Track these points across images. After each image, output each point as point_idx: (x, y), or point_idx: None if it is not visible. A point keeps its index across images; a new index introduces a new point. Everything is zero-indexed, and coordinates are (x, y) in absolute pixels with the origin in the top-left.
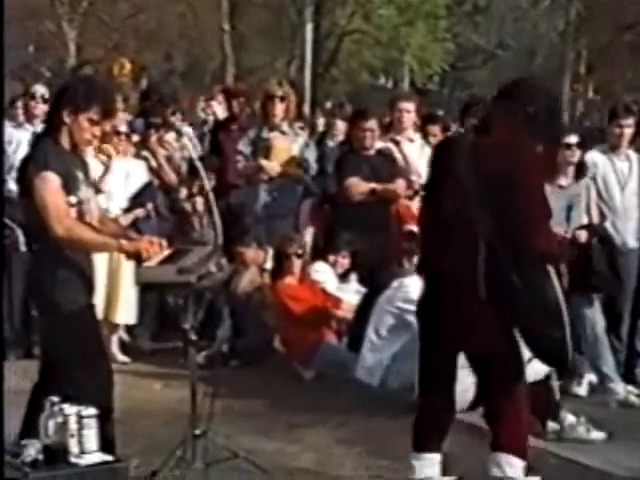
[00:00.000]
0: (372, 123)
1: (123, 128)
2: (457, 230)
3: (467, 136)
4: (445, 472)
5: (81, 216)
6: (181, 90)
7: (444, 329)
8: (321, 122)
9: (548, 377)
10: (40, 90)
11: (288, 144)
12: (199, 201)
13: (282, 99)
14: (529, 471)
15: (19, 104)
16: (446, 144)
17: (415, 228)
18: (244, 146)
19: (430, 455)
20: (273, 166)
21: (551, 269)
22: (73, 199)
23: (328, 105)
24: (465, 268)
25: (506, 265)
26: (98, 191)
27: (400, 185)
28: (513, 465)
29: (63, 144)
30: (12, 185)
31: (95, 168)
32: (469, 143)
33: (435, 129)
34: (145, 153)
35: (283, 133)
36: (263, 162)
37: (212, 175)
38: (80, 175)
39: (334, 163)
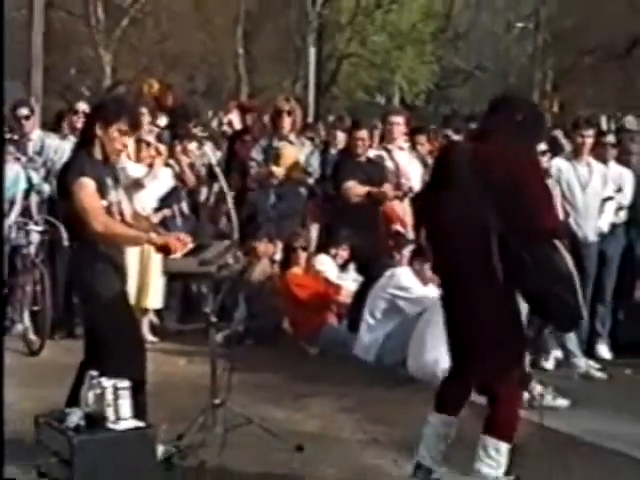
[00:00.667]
0: (363, 133)
1: (149, 138)
2: (467, 226)
3: (467, 144)
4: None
5: (112, 216)
6: (201, 106)
7: (464, 316)
8: (322, 134)
9: None
10: (82, 106)
11: (295, 152)
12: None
13: (289, 113)
14: None
15: (65, 119)
16: (447, 153)
17: (400, 228)
18: (257, 154)
19: (447, 417)
20: (281, 171)
21: (558, 243)
22: (104, 203)
23: (331, 118)
24: (480, 259)
25: (517, 249)
26: (140, 187)
27: (387, 188)
28: (500, 450)
29: (96, 155)
30: None
31: (135, 170)
32: (470, 150)
33: (422, 139)
34: (171, 161)
35: (290, 142)
36: (273, 168)
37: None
38: (109, 182)
39: (332, 168)
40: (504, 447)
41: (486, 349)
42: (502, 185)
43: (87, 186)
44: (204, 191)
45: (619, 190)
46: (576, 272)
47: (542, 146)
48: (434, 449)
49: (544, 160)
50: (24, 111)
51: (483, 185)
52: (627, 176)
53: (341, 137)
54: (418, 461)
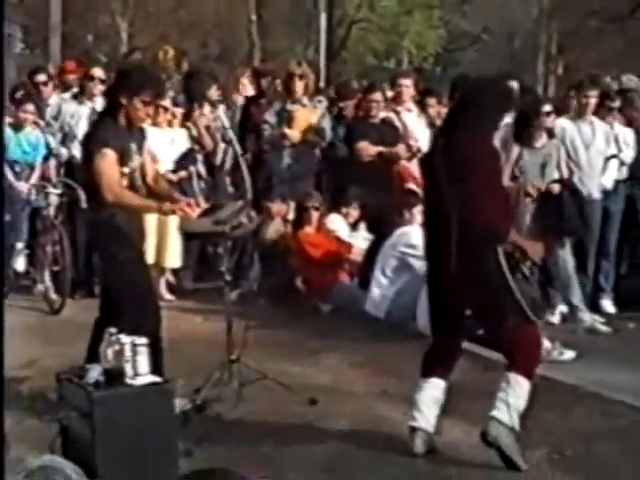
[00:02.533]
0: (377, 95)
1: (167, 103)
2: (437, 218)
3: (440, 136)
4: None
5: (132, 182)
6: (216, 71)
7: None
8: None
9: None
10: (98, 73)
11: (307, 115)
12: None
13: (301, 77)
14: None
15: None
16: (432, 147)
17: (413, 186)
18: (270, 117)
19: (436, 380)
20: (294, 134)
21: (500, 250)
22: (126, 170)
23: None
24: (445, 248)
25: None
26: (155, 160)
27: (401, 149)
28: (522, 385)
29: (120, 122)
30: (75, 152)
31: (152, 133)
32: (441, 142)
33: (432, 101)
34: (188, 124)
35: (303, 106)
36: (286, 130)
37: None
38: (134, 147)
39: (345, 129)
40: (525, 384)
41: (494, 303)
42: (459, 180)
43: (107, 156)
44: (220, 153)
45: (621, 148)
46: (510, 277)
47: (547, 107)
48: (428, 412)
49: (549, 121)
50: (42, 77)
51: (447, 180)
52: (629, 135)
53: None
54: (412, 425)
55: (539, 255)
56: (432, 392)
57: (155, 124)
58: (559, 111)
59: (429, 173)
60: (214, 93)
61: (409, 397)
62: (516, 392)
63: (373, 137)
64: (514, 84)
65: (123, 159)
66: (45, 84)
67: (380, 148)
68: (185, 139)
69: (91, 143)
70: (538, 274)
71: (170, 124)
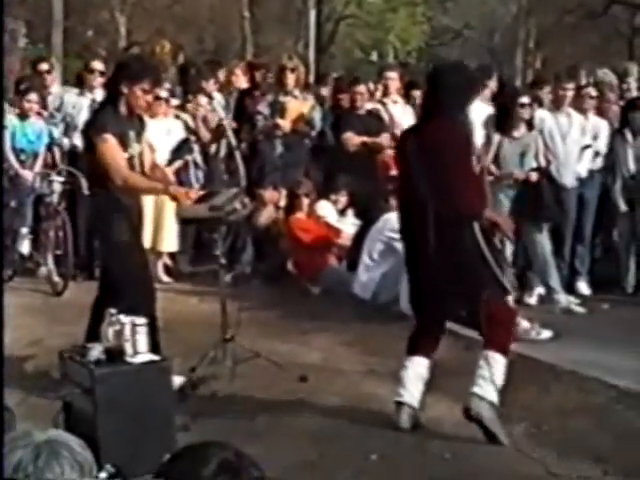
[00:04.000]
0: (362, 88)
1: (164, 94)
2: (412, 201)
3: (416, 124)
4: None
5: (132, 168)
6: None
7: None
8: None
9: None
10: (97, 66)
11: (299, 106)
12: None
13: (292, 70)
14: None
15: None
16: (406, 134)
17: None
18: (263, 108)
19: (420, 358)
20: (286, 124)
21: (476, 225)
22: (125, 155)
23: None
24: (422, 229)
25: (446, 224)
26: (153, 150)
27: (385, 139)
28: (498, 361)
29: (121, 110)
30: (76, 141)
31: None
32: (413, 127)
33: (416, 93)
34: (185, 115)
35: (295, 97)
36: (279, 121)
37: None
38: (132, 134)
39: (333, 120)
40: (501, 359)
41: (471, 283)
42: (434, 164)
43: (108, 140)
44: (215, 143)
45: (595, 138)
46: (486, 249)
47: (524, 99)
48: (413, 389)
49: (526, 112)
50: (44, 66)
51: (420, 161)
52: (603, 126)
53: (326, 91)
54: (398, 400)
55: (511, 229)
56: (417, 369)
57: (152, 115)
58: (535, 102)
59: (403, 157)
60: (211, 85)
61: (395, 375)
62: (493, 368)
63: (358, 128)
64: (477, 70)
65: (123, 145)
66: (48, 72)
67: (364, 138)
68: (181, 129)
69: (91, 130)
70: (515, 257)
71: (166, 115)
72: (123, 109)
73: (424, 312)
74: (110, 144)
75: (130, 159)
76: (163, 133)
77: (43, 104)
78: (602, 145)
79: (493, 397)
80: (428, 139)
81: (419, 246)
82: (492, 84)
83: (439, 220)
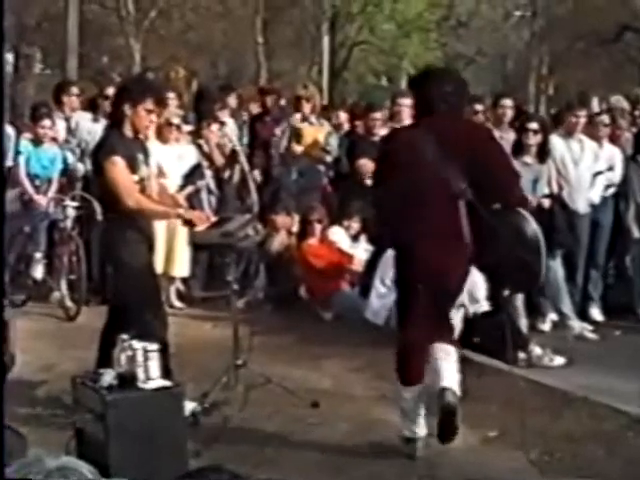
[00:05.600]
0: (378, 114)
1: (176, 121)
2: (433, 197)
3: (422, 124)
4: None
5: (142, 191)
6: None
7: (422, 276)
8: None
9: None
10: (112, 92)
11: (315, 132)
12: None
13: (307, 99)
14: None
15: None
16: (395, 134)
17: None
18: (279, 132)
19: (417, 387)
20: (300, 149)
21: (523, 210)
22: (135, 177)
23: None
24: (449, 224)
25: (486, 216)
26: (163, 175)
27: None
28: (449, 352)
29: (126, 133)
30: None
31: (159, 150)
32: (428, 128)
33: None
34: (200, 141)
35: (311, 124)
36: (294, 146)
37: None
38: (140, 157)
39: (346, 147)
40: (452, 350)
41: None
42: (468, 155)
43: (118, 163)
44: (228, 169)
45: (610, 169)
46: (543, 238)
47: (534, 125)
48: (415, 417)
49: (535, 138)
50: (75, 90)
51: (446, 156)
52: (618, 156)
53: (343, 117)
54: (405, 436)
55: None
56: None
57: (163, 141)
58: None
59: (405, 155)
60: (224, 111)
61: None
62: (450, 358)
63: (373, 154)
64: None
65: (132, 168)
66: (78, 96)
67: None
68: (193, 155)
69: (100, 153)
70: None
71: (178, 140)
72: (128, 132)
73: (418, 331)
74: (119, 167)
75: (140, 181)
76: (174, 159)
77: (67, 127)
78: (617, 176)
79: (457, 387)
80: (454, 133)
81: (425, 253)
82: (509, 111)
83: (474, 213)
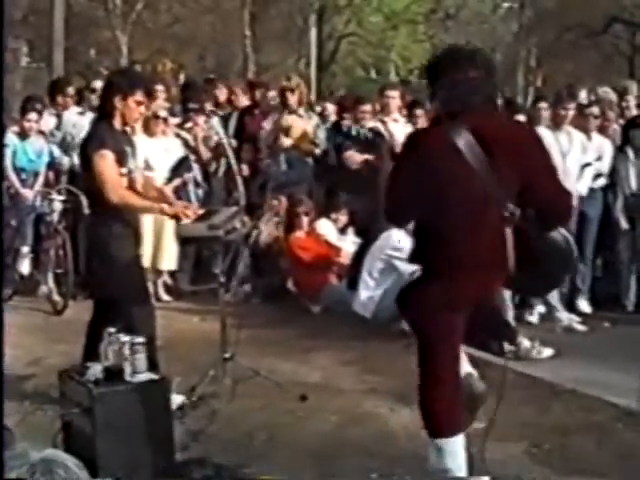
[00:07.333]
0: (367, 107)
1: (163, 113)
2: (480, 219)
3: (455, 125)
4: None
5: (131, 183)
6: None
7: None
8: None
9: None
10: (99, 85)
11: (303, 124)
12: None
13: (293, 91)
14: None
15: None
16: (424, 137)
17: None
18: (268, 125)
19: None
20: (288, 141)
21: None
22: (124, 170)
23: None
24: (496, 253)
25: (531, 233)
26: (150, 168)
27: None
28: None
29: (115, 125)
30: (76, 161)
31: (145, 143)
32: (462, 130)
33: (419, 112)
34: (185, 134)
35: (299, 116)
36: (282, 139)
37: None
38: (128, 150)
39: (334, 138)
40: None
41: None
42: (518, 167)
43: (106, 157)
44: (214, 162)
45: (599, 159)
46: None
47: (521, 117)
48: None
49: None
50: (71, 90)
51: (494, 168)
52: (607, 146)
53: (331, 109)
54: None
55: None
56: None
57: (150, 134)
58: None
59: (445, 158)
60: (210, 104)
61: (395, 393)
62: None
63: (360, 146)
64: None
65: (121, 161)
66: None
67: (366, 156)
68: (180, 148)
69: (89, 147)
70: None
71: (165, 133)
72: (118, 124)
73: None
74: (108, 161)
75: (128, 174)
76: (161, 151)
77: (58, 124)
78: (606, 165)
79: None
80: (501, 133)
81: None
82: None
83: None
